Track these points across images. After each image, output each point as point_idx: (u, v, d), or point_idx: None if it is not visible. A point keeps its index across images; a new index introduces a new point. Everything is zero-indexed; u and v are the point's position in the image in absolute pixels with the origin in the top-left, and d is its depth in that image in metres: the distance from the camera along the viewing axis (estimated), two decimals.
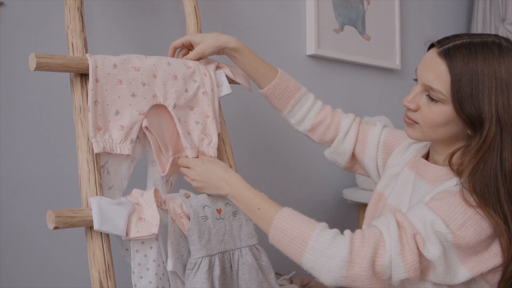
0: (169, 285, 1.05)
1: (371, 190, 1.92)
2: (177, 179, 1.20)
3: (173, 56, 1.24)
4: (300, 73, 1.87)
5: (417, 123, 0.99)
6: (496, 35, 0.96)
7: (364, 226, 1.19)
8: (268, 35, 1.78)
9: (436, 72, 0.94)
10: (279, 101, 1.24)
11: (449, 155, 0.97)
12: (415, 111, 0.99)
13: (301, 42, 1.87)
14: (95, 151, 1.02)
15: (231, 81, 1.27)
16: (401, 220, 0.91)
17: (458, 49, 0.93)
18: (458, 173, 0.94)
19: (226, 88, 1.25)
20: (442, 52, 0.94)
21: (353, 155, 1.25)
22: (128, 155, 1.07)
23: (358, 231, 0.95)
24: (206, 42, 1.19)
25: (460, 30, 2.65)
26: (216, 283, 1.06)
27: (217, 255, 1.08)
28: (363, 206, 1.96)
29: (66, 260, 1.33)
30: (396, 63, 2.21)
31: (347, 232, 0.94)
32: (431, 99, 0.95)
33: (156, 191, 1.03)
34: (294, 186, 1.86)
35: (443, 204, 0.91)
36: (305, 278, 1.54)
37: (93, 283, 0.95)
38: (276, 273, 1.65)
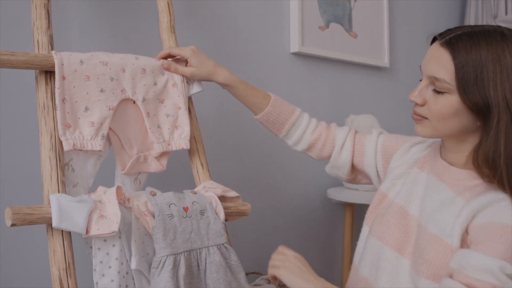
0: (134, 284, 1.04)
1: (356, 190, 1.90)
2: (146, 177, 1.19)
3: (161, 58, 1.22)
4: (284, 71, 1.86)
5: (426, 118, 0.98)
6: (498, 25, 0.96)
7: (364, 226, 1.16)
8: (251, 32, 1.77)
9: (439, 62, 0.93)
10: (273, 127, 1.26)
11: (473, 157, 0.94)
12: (422, 105, 0.98)
13: (285, 39, 1.85)
14: (65, 149, 1.02)
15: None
16: (468, 281, 0.84)
17: (460, 38, 0.93)
18: (487, 176, 0.91)
19: (196, 86, 1.24)
20: (445, 42, 0.94)
21: (353, 166, 1.25)
22: (100, 150, 1.06)
23: None
24: (200, 69, 1.20)
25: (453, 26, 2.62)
26: (181, 282, 1.04)
27: (182, 253, 1.07)
28: (349, 205, 1.94)
29: (30, 258, 1.32)
30: (384, 61, 2.19)
31: None
32: (437, 92, 0.94)
33: (118, 188, 1.02)
34: (278, 185, 1.85)
35: (498, 244, 0.85)
36: None
37: (53, 281, 0.95)
38: (255, 272, 1.65)
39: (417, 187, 1.06)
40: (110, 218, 0.98)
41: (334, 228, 2.06)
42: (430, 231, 0.96)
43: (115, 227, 0.96)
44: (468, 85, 0.90)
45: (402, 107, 2.33)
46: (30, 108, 1.26)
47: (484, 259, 0.85)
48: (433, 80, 0.95)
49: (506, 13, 2.38)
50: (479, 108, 0.90)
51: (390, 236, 1.04)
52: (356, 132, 1.26)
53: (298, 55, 1.88)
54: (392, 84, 2.28)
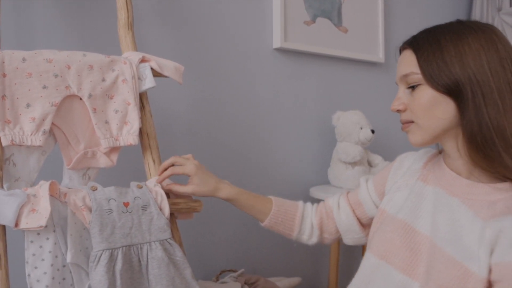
0: (72, 277, 1.06)
1: (341, 188, 1.86)
2: (96, 173, 1.21)
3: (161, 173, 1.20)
4: (267, 67, 1.84)
5: (412, 121, 0.96)
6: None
7: (368, 244, 1.12)
8: (233, 28, 1.76)
9: (404, 61, 0.95)
10: (284, 227, 1.25)
11: (463, 148, 0.90)
12: (405, 111, 0.97)
13: (268, 35, 1.83)
14: (3, 144, 1.05)
15: (158, 74, 1.27)
16: None
17: (418, 34, 0.95)
18: (484, 166, 0.87)
19: (149, 82, 1.24)
20: (405, 43, 0.97)
21: (360, 222, 1.23)
22: (40, 146, 1.09)
23: None
24: (202, 188, 1.19)
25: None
26: (118, 276, 1.05)
27: (120, 248, 1.08)
28: None
29: None
30: (379, 56, 2.12)
31: None
32: (412, 88, 0.94)
33: (52, 183, 1.03)
34: (258, 183, 1.83)
35: None
36: (252, 276, 1.51)
37: None
38: (231, 270, 1.65)
39: (424, 202, 1.00)
40: (41, 212, 1.00)
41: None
42: (447, 253, 0.89)
43: (42, 222, 0.98)
44: (431, 69, 0.89)
45: None
46: None
47: None
48: (404, 79, 0.95)
49: (510, 5, 2.27)
50: (450, 90, 0.88)
51: (396, 256, 0.97)
52: (347, 192, 1.26)
53: (281, 50, 1.86)
54: (388, 80, 2.21)
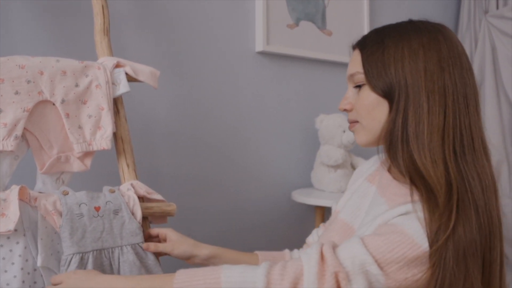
0: (43, 281, 1.07)
1: (323, 191, 1.87)
2: (70, 177, 1.22)
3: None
4: (249, 71, 1.84)
5: (357, 121, 0.95)
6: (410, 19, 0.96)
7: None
8: (215, 31, 1.77)
9: (352, 61, 0.96)
10: None
11: (391, 159, 0.89)
12: (351, 110, 0.96)
13: (250, 38, 1.84)
14: None
15: (133, 79, 1.28)
16: (326, 254, 0.82)
17: (368, 34, 0.96)
18: (391, 161, 0.88)
19: (123, 87, 1.25)
20: (355, 44, 0.97)
21: None
22: (12, 151, 1.10)
23: (281, 262, 0.86)
24: (181, 243, 1.15)
25: (446, 21, 2.52)
26: None
27: (91, 252, 1.09)
28: (319, 207, 1.90)
29: None
30: None
31: (265, 264, 0.84)
32: (358, 87, 0.94)
33: (22, 188, 1.05)
34: (242, 187, 1.84)
35: (383, 242, 0.81)
36: None
37: None
38: None
39: (364, 202, 1.01)
40: (10, 216, 1.01)
41: (305, 230, 2.02)
42: None
43: (11, 226, 1.00)
44: (372, 70, 0.89)
45: None
46: None
47: (358, 246, 0.81)
48: (351, 79, 0.95)
49: (497, 8, 2.27)
50: (385, 93, 0.88)
51: None
52: (322, 224, 1.22)
53: (263, 54, 1.87)
54: None
